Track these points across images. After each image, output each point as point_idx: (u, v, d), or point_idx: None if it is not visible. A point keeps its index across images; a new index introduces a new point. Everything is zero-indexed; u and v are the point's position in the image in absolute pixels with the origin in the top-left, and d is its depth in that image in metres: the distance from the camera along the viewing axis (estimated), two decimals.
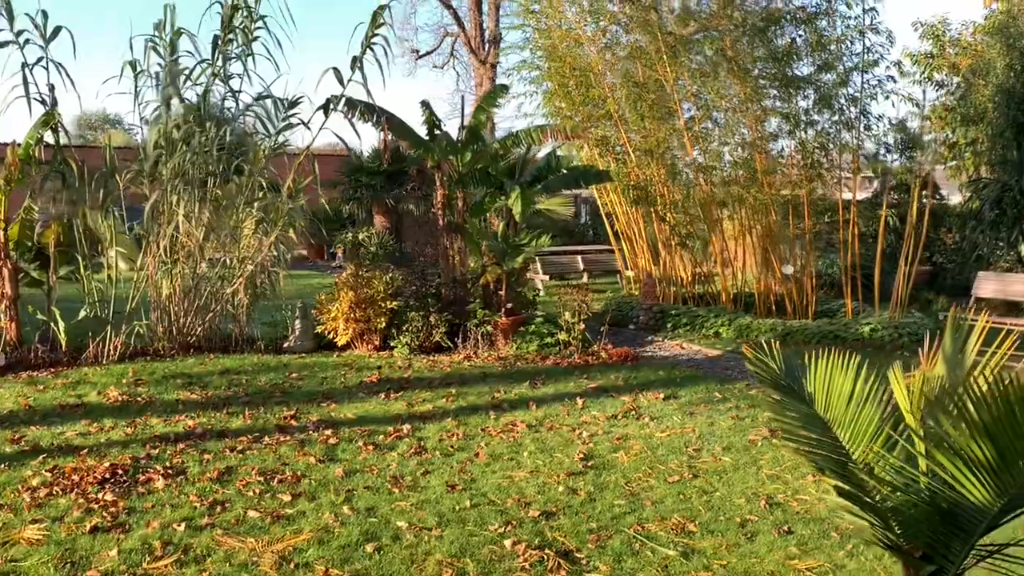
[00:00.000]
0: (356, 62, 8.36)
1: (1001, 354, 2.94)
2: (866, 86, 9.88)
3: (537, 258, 15.49)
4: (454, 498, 4.65)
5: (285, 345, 9.42)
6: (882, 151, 13.95)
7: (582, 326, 9.36)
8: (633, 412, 6.61)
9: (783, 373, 3.17)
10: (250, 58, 8.82)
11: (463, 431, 6.05)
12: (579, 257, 15.99)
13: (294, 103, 8.94)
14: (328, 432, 5.94)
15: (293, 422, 6.26)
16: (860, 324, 9.66)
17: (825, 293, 12.92)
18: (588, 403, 6.91)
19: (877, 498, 2.62)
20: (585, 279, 17.17)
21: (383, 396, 7.15)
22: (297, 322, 9.49)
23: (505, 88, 10.41)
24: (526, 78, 12.93)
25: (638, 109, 11.31)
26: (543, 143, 9.83)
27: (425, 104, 9.61)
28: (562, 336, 9.40)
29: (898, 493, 2.63)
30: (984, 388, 2.32)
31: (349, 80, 8.45)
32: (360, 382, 7.71)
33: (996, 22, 13.56)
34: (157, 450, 5.47)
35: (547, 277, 15.32)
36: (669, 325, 10.86)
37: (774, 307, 11.30)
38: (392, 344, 9.28)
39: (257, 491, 4.72)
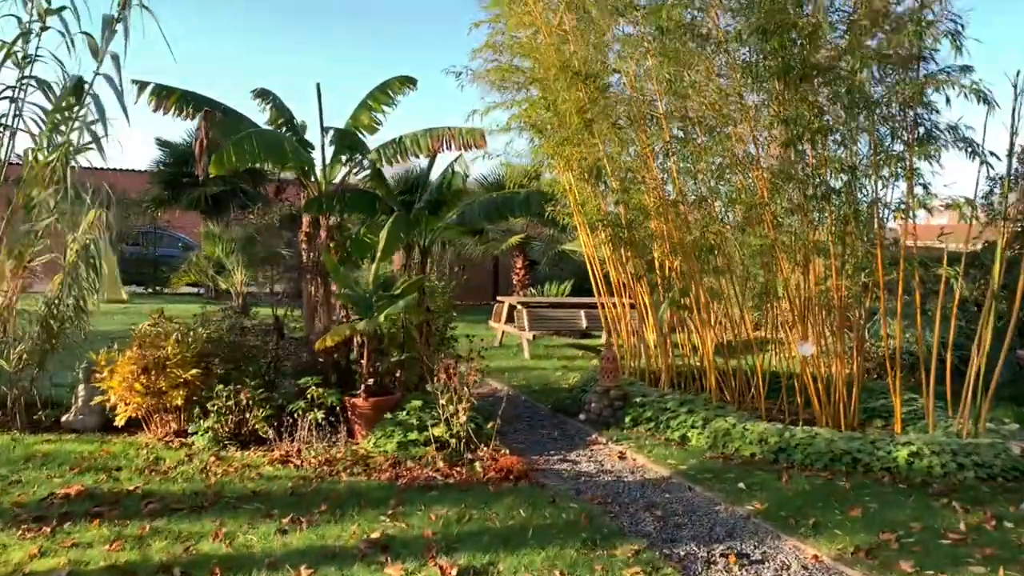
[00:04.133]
0: (110, 25, 6.07)
1: None
2: (927, 81, 6.73)
3: (525, 311, 12.77)
4: None
5: (64, 419, 7.17)
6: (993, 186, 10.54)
7: (463, 418, 6.62)
8: None
9: None
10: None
11: None
12: (581, 311, 13.11)
13: (77, 88, 6.73)
14: None
15: None
16: (896, 444, 6.43)
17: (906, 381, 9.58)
18: None
19: None
20: (606, 338, 14.26)
21: (25, 530, 4.69)
22: (81, 388, 7.22)
23: (411, 80, 7.91)
24: (503, 84, 10.33)
25: (612, 116, 8.54)
26: (434, 151, 7.24)
27: (264, 94, 7.24)
28: (437, 431, 6.69)
29: None
30: None
31: (103, 55, 6.15)
32: (44, 498, 5.29)
33: None
34: None
35: (531, 335, 12.54)
36: (628, 419, 7.91)
37: (800, 399, 8.11)
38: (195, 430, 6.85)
39: None
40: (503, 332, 13.66)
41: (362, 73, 70.85)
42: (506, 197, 7.82)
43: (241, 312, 13.09)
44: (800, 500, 5.67)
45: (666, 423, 7.56)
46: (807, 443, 6.63)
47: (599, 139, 8.76)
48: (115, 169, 26.38)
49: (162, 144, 20.57)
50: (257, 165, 6.67)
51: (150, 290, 22.67)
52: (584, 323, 13.01)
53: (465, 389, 6.63)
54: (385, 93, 7.78)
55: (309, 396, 6.71)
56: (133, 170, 25.21)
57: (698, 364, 9.25)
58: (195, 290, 20.50)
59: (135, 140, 51.14)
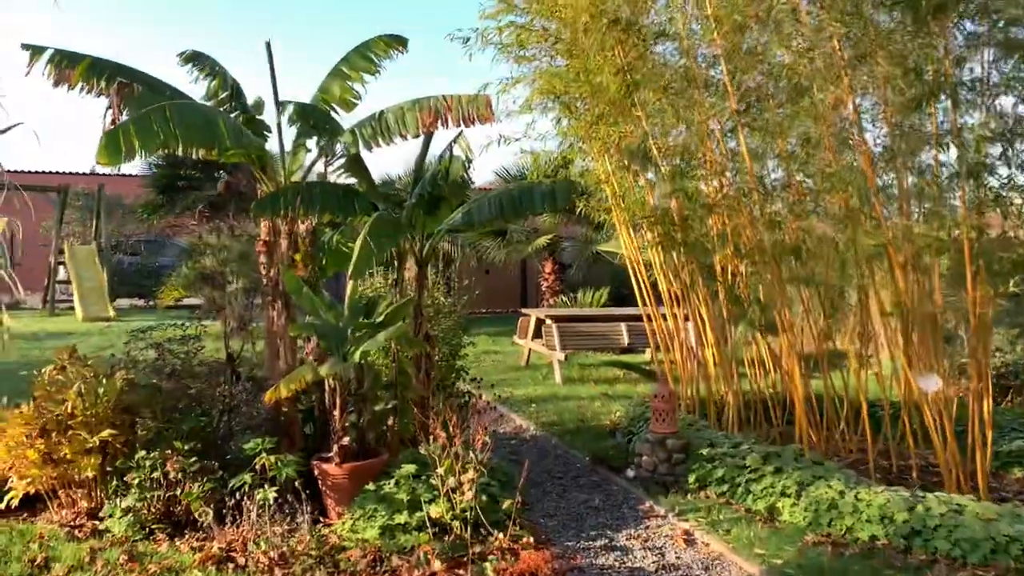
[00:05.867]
0: None
1: None
2: None
3: (555, 326, 10.98)
4: None
5: None
6: None
7: (470, 493, 4.86)
8: None
9: None
10: None
11: None
12: (623, 325, 11.28)
13: None
14: None
15: None
16: None
17: None
18: None
19: None
20: (652, 355, 12.39)
21: None
22: None
23: (400, 41, 6.18)
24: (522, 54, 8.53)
25: (664, 78, 6.74)
26: (427, 129, 5.48)
27: (197, 57, 5.55)
28: (434, 510, 4.95)
29: None
30: None
31: None
32: None
33: None
34: None
35: (563, 356, 10.75)
36: (692, 478, 6.08)
37: (912, 438, 6.24)
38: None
39: None
40: (530, 350, 11.89)
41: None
42: (525, 189, 6.05)
43: (239, 329, 11.49)
44: None
45: (745, 487, 5.72)
46: (952, 523, 4.77)
47: (643, 112, 6.95)
48: (110, 173, 25.14)
49: None
50: (183, 152, 4.95)
51: (151, 304, 21.20)
52: (626, 339, 11.20)
53: (472, 455, 4.88)
54: (366, 57, 6.05)
55: (258, 465, 4.99)
56: (131, 175, 23.79)
57: (771, 390, 7.44)
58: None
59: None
